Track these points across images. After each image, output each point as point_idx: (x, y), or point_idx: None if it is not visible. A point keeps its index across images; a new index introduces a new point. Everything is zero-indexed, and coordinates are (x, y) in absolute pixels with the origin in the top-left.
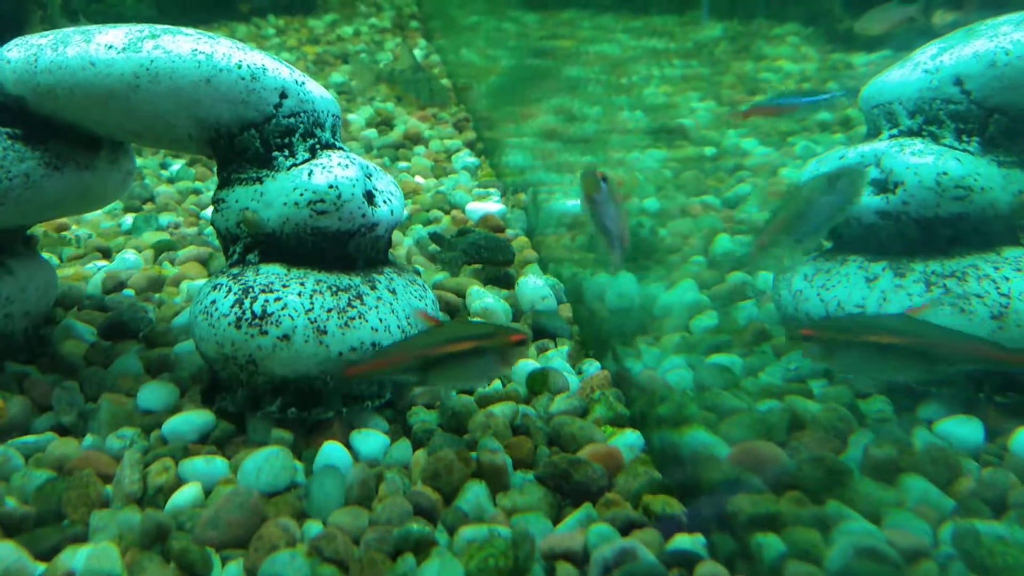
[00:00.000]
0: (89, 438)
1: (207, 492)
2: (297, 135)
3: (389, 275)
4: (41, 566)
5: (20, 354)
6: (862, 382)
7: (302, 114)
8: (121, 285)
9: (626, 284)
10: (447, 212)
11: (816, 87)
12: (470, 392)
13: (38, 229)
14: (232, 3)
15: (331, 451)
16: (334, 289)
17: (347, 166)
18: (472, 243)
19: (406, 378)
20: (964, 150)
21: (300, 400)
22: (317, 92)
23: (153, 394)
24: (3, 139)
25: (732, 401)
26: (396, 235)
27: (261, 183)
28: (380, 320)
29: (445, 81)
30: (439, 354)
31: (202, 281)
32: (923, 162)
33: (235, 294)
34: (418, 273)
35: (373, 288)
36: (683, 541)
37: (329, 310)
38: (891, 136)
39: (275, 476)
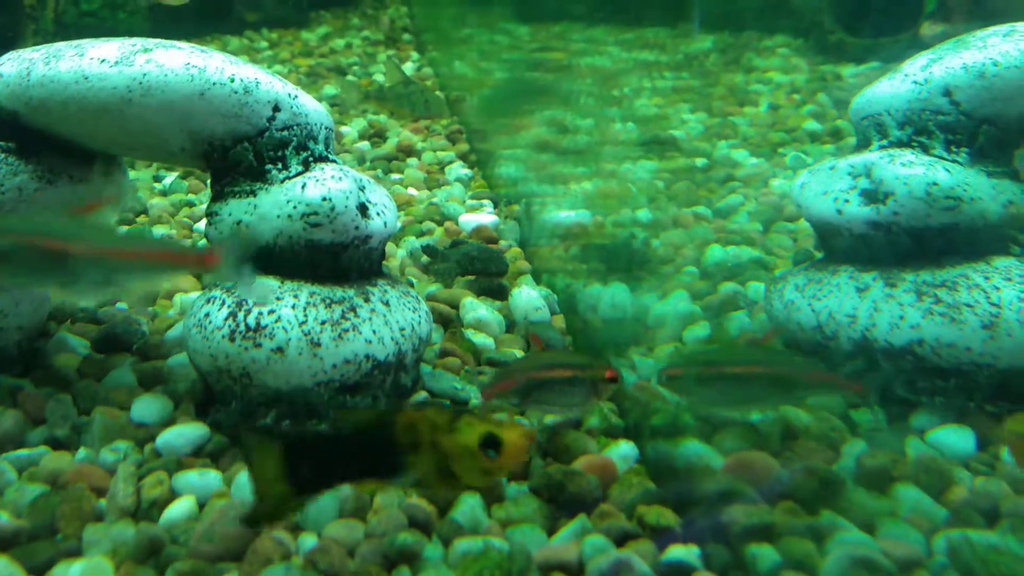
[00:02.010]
0: (83, 451)
1: (201, 505)
2: (290, 148)
3: (383, 287)
4: None
5: (13, 367)
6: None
7: (295, 127)
8: (114, 298)
9: (619, 295)
10: (440, 224)
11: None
12: (464, 403)
13: None
14: (225, 16)
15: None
16: (328, 301)
17: (340, 179)
18: (465, 254)
19: (509, 400)
20: (954, 161)
21: (294, 412)
22: (310, 105)
23: (147, 407)
24: None
25: (725, 412)
26: (389, 247)
27: (255, 196)
28: (374, 332)
29: (439, 93)
30: (543, 378)
31: (195, 294)
32: (913, 173)
33: (229, 307)
34: (412, 285)
35: (367, 300)
36: (678, 552)
37: (323, 322)
38: (881, 147)
39: None
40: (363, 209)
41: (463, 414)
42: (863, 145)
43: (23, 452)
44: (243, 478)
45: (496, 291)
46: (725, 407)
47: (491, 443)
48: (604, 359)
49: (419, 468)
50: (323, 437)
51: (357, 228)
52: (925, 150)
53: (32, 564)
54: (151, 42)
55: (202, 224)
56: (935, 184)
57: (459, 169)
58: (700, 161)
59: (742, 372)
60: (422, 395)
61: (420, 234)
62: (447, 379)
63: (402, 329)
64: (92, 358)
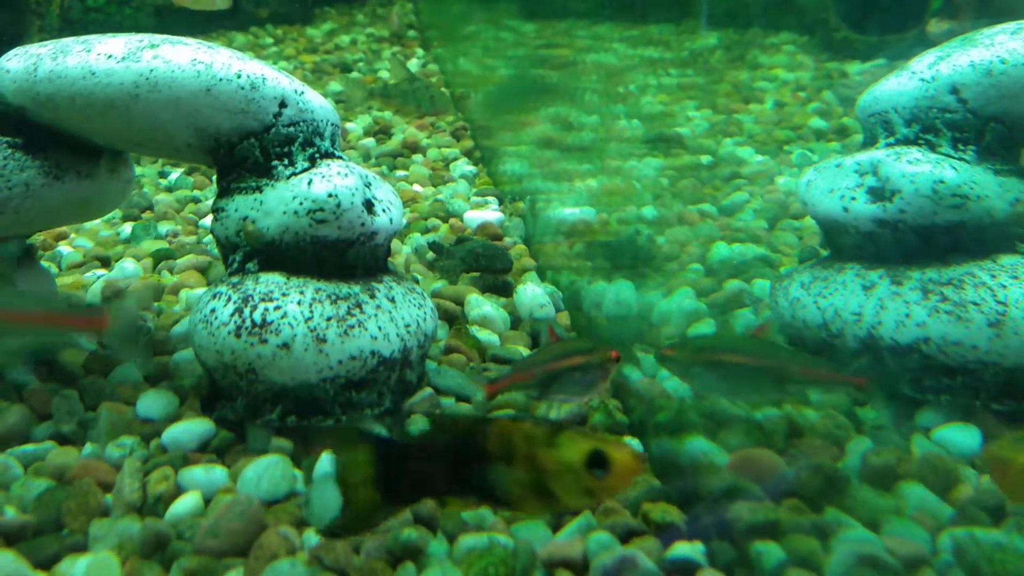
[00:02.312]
0: (89, 447)
1: (207, 501)
2: (296, 144)
3: (388, 284)
4: (41, 575)
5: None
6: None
7: (301, 123)
8: (120, 294)
9: (624, 292)
10: (445, 220)
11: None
12: (468, 400)
13: (36, 238)
14: (231, 13)
15: (330, 459)
16: (333, 298)
17: (346, 175)
18: (470, 251)
19: (529, 392)
20: (960, 159)
21: (300, 408)
22: (316, 101)
23: (152, 403)
24: (3, 148)
25: (730, 409)
26: (395, 243)
27: (261, 192)
28: (379, 328)
29: (444, 90)
30: (560, 368)
31: (201, 290)
32: (920, 170)
33: (235, 303)
34: (417, 281)
35: (372, 297)
36: (683, 549)
37: (329, 319)
38: (888, 144)
39: (275, 484)
40: (369, 205)
41: (563, 428)
42: (870, 143)
43: (29, 447)
44: (249, 473)
45: (501, 288)
46: (718, 393)
47: (598, 461)
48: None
49: (512, 484)
50: (411, 444)
51: (363, 224)
52: (932, 148)
53: (38, 559)
54: (158, 38)
55: (207, 220)
56: (942, 182)
57: (464, 166)
58: (705, 158)
59: (737, 361)
60: (427, 392)
61: (425, 231)
62: (452, 376)
63: (407, 326)
64: (98, 354)
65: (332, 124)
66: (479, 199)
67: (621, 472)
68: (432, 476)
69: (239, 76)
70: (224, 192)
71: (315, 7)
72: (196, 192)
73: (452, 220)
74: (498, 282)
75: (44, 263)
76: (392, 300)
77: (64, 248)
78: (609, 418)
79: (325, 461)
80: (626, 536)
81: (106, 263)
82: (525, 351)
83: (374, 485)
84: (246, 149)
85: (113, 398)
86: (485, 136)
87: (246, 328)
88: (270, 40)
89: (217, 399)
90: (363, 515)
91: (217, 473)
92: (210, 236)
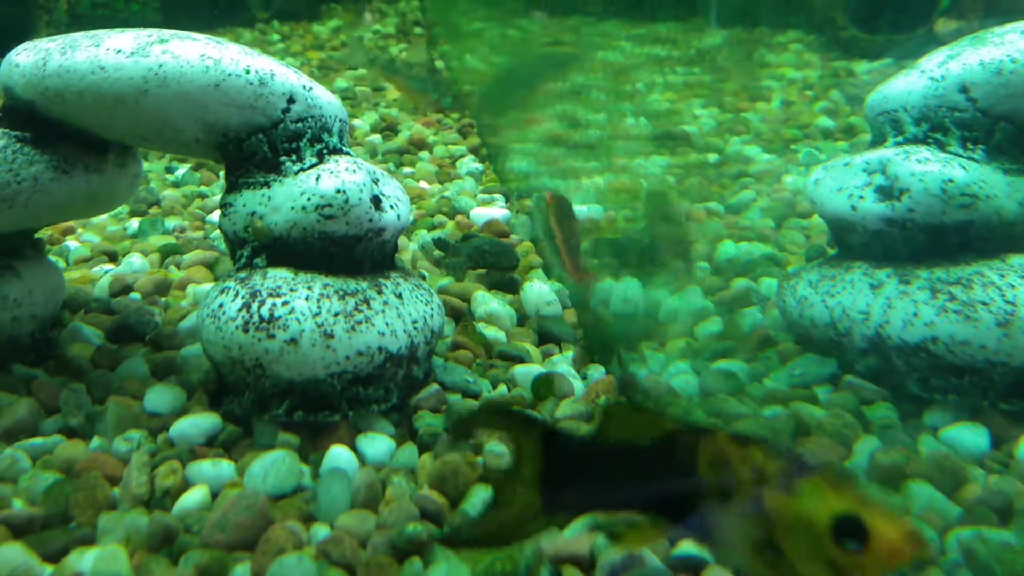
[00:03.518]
0: (96, 440)
1: (214, 495)
2: (305, 140)
3: (395, 280)
4: (49, 568)
5: (27, 356)
6: None
7: (310, 119)
8: (127, 288)
9: (631, 290)
10: (451, 217)
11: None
12: (475, 396)
13: (44, 232)
14: (237, 9)
15: (338, 454)
16: (341, 293)
17: (354, 171)
18: (476, 248)
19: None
20: (970, 158)
21: (307, 403)
22: (324, 97)
23: (160, 397)
24: (12, 142)
25: (737, 407)
26: (402, 240)
27: (269, 188)
28: (387, 324)
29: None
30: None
31: (208, 285)
32: (929, 169)
33: (242, 298)
34: (423, 278)
35: (380, 292)
36: (690, 546)
37: (336, 314)
38: (896, 143)
39: (282, 479)
40: (376, 202)
41: (810, 468)
42: (878, 141)
43: (37, 440)
44: (256, 468)
45: (507, 285)
46: None
47: (852, 529)
48: (614, 354)
49: (723, 521)
50: (590, 443)
51: (371, 220)
52: (941, 147)
53: (46, 551)
54: (166, 33)
55: (215, 216)
56: (951, 181)
57: (470, 163)
58: (712, 157)
59: None
60: (434, 388)
61: (432, 227)
62: (459, 372)
63: (414, 322)
64: (105, 348)
65: (340, 120)
66: (485, 196)
67: (883, 552)
68: (610, 484)
69: (248, 72)
70: (232, 187)
71: (321, 4)
72: (203, 188)
73: (458, 217)
74: (505, 279)
75: (51, 257)
76: (399, 296)
77: (71, 243)
78: None
79: (333, 455)
80: None
81: (113, 258)
82: (532, 348)
83: (535, 484)
84: (254, 144)
85: (121, 392)
86: (491, 133)
87: (254, 323)
88: (277, 37)
89: (224, 394)
90: (511, 521)
91: (224, 467)
92: (217, 231)
